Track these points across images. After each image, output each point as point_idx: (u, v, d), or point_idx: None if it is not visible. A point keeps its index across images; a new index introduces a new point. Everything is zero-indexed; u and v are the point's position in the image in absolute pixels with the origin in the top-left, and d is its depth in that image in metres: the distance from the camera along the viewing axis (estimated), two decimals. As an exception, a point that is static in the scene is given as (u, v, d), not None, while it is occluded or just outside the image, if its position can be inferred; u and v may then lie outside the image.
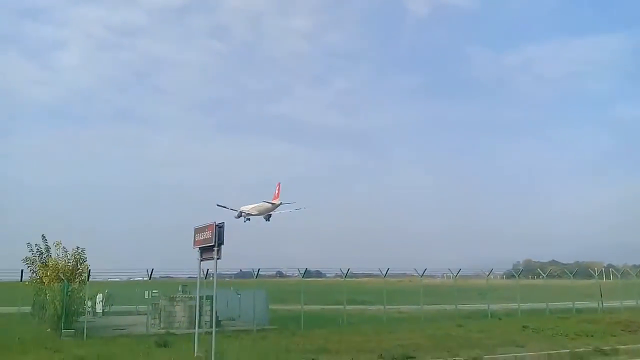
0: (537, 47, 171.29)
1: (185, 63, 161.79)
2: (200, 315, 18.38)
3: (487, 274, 34.87)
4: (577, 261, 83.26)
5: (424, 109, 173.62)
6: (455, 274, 32.04)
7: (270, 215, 36.90)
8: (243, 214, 37.81)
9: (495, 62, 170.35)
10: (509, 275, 46.83)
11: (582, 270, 49.68)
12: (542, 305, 32.93)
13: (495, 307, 32.69)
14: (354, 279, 36.81)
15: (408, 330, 22.85)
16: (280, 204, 36.38)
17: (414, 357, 15.59)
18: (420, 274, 30.74)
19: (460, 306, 31.60)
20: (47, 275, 23.95)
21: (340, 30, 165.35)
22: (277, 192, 36.54)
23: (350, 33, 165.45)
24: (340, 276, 29.93)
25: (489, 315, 30.36)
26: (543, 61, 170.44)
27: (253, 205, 36.39)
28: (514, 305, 32.84)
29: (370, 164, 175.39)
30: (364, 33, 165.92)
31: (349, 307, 28.97)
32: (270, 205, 36.19)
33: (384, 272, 29.29)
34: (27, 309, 26.35)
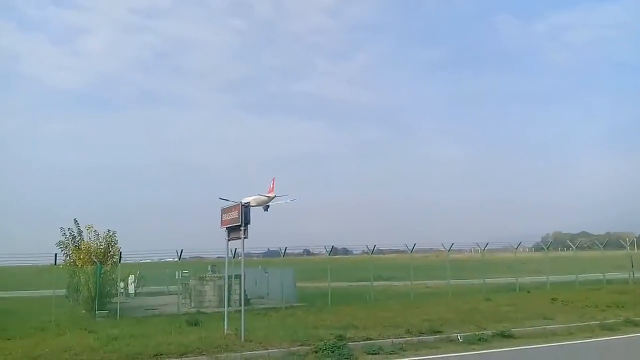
0: (565, 14, 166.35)
1: (207, 43, 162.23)
2: (229, 294, 18.76)
3: (516, 247, 34.59)
4: (608, 232, 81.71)
5: (449, 81, 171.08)
6: (482, 248, 31.87)
7: (268, 206, 39.37)
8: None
9: (522, 31, 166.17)
10: (538, 248, 46.52)
11: (613, 241, 48.83)
12: (572, 277, 32.65)
13: (523, 280, 32.52)
14: (380, 255, 36.94)
15: (435, 305, 22.91)
16: (275, 196, 38.64)
17: (441, 332, 15.64)
18: (447, 249, 30.67)
19: (488, 280, 31.49)
20: (81, 258, 24.61)
21: (362, 2, 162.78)
22: (272, 186, 39.66)
23: (373, 5, 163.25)
24: (367, 253, 30.06)
25: (517, 288, 30.23)
26: (571, 28, 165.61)
27: (252, 197, 39.13)
28: (542, 278, 32.62)
29: (395, 139, 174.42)
30: (387, 5, 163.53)
31: (375, 284, 29.16)
32: (266, 197, 39.37)
33: (411, 248, 29.32)
34: (62, 291, 27.14)
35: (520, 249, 36.01)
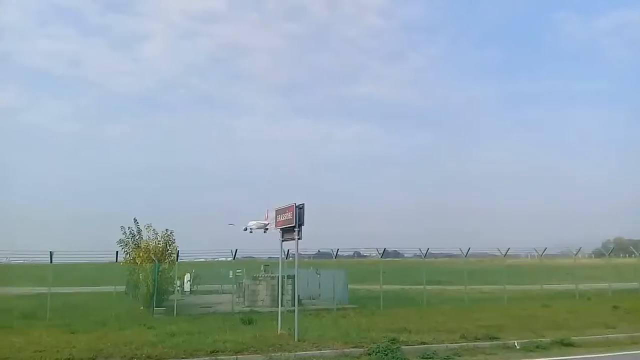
0: (630, 10, 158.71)
1: (262, 47, 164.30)
2: (282, 294, 18.96)
3: (575, 252, 33.37)
4: (674, 238, 77.47)
5: (504, 82, 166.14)
6: (540, 253, 30.92)
7: (267, 229, 43.07)
8: (248, 228, 44.37)
9: (582, 28, 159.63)
10: (599, 254, 44.70)
11: (680, 248, 46.26)
12: (635, 284, 31.20)
13: (583, 287, 31.34)
14: (433, 259, 36.44)
15: (490, 311, 22.40)
16: (268, 223, 42.94)
17: (498, 338, 15.28)
18: (503, 254, 29.93)
19: (545, 286, 30.58)
20: (140, 256, 25.38)
21: (416, 2, 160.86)
22: (267, 216, 45.28)
23: (426, 5, 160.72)
24: (419, 256, 29.72)
25: (577, 295, 29.16)
26: (636, 24, 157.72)
27: (255, 222, 43.95)
28: (604, 285, 31.34)
29: (448, 142, 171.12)
30: (441, 5, 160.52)
31: (428, 287, 28.77)
32: (263, 224, 43.29)
33: (465, 252, 28.79)
34: (122, 288, 28.12)
35: (580, 255, 34.66)
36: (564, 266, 37.42)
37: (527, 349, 14.30)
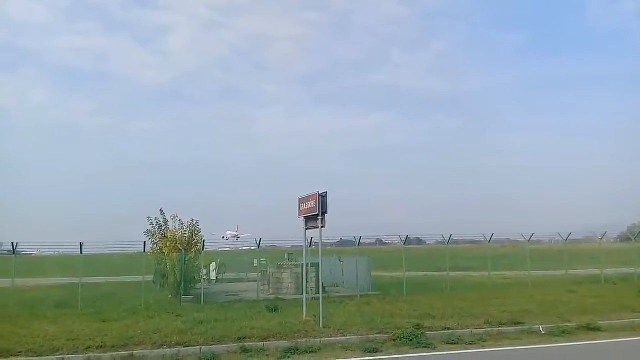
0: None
1: (284, 38, 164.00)
2: (306, 281, 19.20)
3: (600, 237, 32.97)
4: None
5: (529, 66, 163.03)
6: (565, 238, 30.63)
7: (238, 238, 56.78)
8: (225, 237, 54.36)
9: (609, 10, 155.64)
10: (624, 238, 43.95)
11: None
12: (662, 269, 30.74)
13: (609, 271, 30.99)
14: (455, 245, 36.36)
15: (515, 296, 22.35)
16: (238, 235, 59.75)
17: (523, 323, 15.31)
18: (527, 239, 29.74)
19: (570, 271, 30.32)
20: (167, 246, 25.83)
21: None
22: (237, 229, 67.47)
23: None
24: (442, 243, 29.68)
25: (602, 280, 28.89)
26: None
27: (230, 232, 63.64)
28: (630, 270, 30.92)
29: (471, 128, 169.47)
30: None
31: (451, 274, 28.77)
32: (235, 234, 61.72)
33: (488, 238, 28.69)
34: (150, 277, 28.65)
35: (605, 240, 34.16)
36: (589, 251, 36.94)
37: (552, 333, 14.31)
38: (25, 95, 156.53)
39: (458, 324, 15.06)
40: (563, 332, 14.41)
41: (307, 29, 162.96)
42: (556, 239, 32.09)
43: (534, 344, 13.33)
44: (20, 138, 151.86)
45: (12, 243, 22.30)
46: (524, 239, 29.85)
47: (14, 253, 22.61)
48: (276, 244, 35.51)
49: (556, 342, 13.55)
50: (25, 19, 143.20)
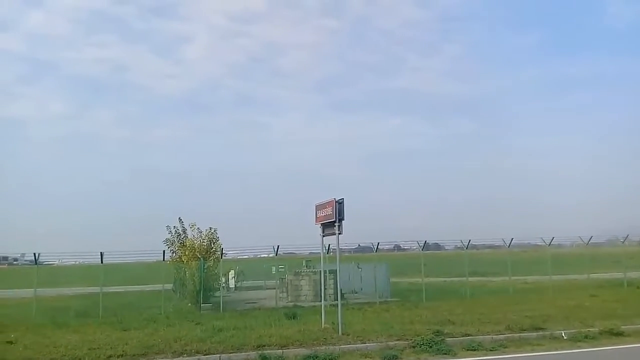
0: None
1: (300, 44, 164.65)
2: (324, 288, 19.17)
3: (622, 240, 32.45)
4: None
5: (545, 67, 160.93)
6: (586, 242, 30.21)
7: None
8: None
9: (629, 9, 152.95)
10: (648, 241, 43.17)
11: None
12: (688, 272, 30.15)
13: (632, 275, 30.46)
14: (475, 250, 36.06)
15: (536, 301, 22.10)
16: None
17: (544, 328, 15.12)
18: (548, 243, 29.39)
19: (592, 275, 29.89)
20: (186, 255, 26.01)
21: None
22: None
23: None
24: (461, 248, 29.47)
25: (625, 284, 28.42)
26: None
27: None
28: (654, 273, 30.41)
29: (489, 131, 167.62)
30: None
31: (471, 279, 28.54)
32: None
33: (508, 243, 28.42)
34: (170, 286, 28.90)
35: (627, 243, 33.61)
36: (611, 254, 36.48)
37: (575, 339, 14.10)
38: (45, 106, 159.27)
39: (478, 330, 14.92)
40: (586, 337, 14.19)
41: (324, 35, 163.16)
42: (577, 242, 31.64)
43: (556, 349, 13.13)
44: (40, 148, 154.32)
45: (34, 254, 22.67)
46: (544, 243, 29.51)
47: (35, 263, 22.97)
48: (294, 251, 35.53)
49: (579, 347, 13.34)
50: (45, 32, 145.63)
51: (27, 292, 24.80)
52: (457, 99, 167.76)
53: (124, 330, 16.61)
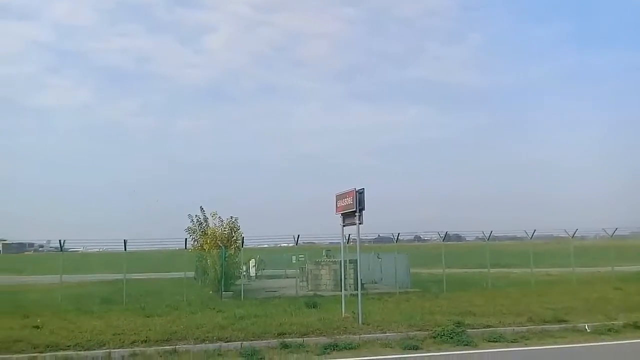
0: None
1: (321, 34, 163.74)
2: (345, 278, 19.20)
3: (648, 233, 31.89)
4: None
5: (569, 58, 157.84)
6: (610, 234, 29.74)
7: None
8: None
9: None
10: (676, 234, 42.35)
11: None
12: None
13: (658, 268, 30.00)
14: (496, 242, 35.78)
15: (558, 294, 21.85)
16: None
17: (567, 321, 14.96)
18: (571, 235, 29.00)
19: (616, 268, 29.43)
20: (207, 243, 26.28)
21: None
22: None
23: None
24: (482, 239, 29.25)
25: (651, 276, 27.96)
26: None
27: None
28: (681, 266, 29.87)
29: (510, 122, 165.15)
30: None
31: (492, 270, 28.34)
32: None
33: (530, 234, 28.11)
34: (192, 274, 29.19)
35: (654, 235, 33.03)
36: (636, 247, 35.84)
37: (598, 331, 13.94)
38: (71, 95, 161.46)
39: (500, 322, 14.82)
40: (609, 330, 14.02)
41: (344, 24, 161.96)
42: (601, 234, 31.15)
43: (579, 342, 12.98)
44: (66, 137, 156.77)
45: (60, 241, 23.09)
46: (567, 235, 29.14)
47: (61, 250, 23.42)
48: (314, 241, 35.70)
49: (602, 340, 13.18)
50: (71, 22, 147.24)
51: (52, 278, 25.32)
52: (478, 89, 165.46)
53: (147, 317, 16.80)
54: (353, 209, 15.54)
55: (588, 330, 14.14)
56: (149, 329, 14.09)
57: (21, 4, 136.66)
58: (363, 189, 15.44)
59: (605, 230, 29.79)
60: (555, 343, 12.90)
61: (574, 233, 28.93)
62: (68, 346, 12.17)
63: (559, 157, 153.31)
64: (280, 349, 12.29)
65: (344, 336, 13.18)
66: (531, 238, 28.22)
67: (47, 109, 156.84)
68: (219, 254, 24.89)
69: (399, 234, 27.61)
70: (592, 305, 17.92)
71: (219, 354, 11.89)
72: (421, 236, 46.31)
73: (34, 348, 11.97)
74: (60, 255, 23.63)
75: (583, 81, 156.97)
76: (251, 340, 12.76)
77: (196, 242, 27.33)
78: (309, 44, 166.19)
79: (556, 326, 14.49)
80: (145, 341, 12.64)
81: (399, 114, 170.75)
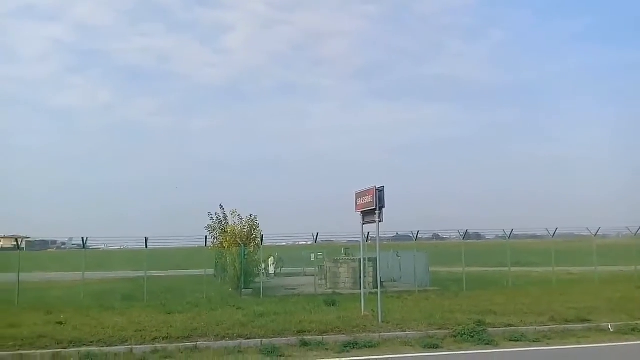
0: None
1: (340, 32, 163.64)
2: (364, 276, 19.17)
3: (673, 231, 31.21)
4: None
5: (593, 53, 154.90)
6: (634, 232, 29.22)
7: None
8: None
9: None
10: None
11: None
12: None
13: (684, 267, 29.36)
14: (517, 240, 35.44)
15: (581, 293, 21.56)
16: None
17: (590, 320, 14.77)
18: (593, 234, 28.57)
19: (640, 267, 28.95)
20: (227, 241, 26.44)
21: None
22: None
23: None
24: (503, 238, 28.98)
25: (676, 276, 27.40)
26: None
27: None
28: None
29: (531, 119, 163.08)
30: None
31: (513, 269, 28.06)
32: None
33: (552, 233, 27.75)
34: (211, 271, 29.37)
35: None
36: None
37: (621, 331, 13.74)
38: (92, 95, 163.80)
39: (521, 321, 14.68)
40: (633, 330, 13.81)
41: (364, 21, 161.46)
42: (624, 232, 30.63)
43: (603, 342, 12.81)
44: (86, 137, 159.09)
45: (82, 238, 23.42)
46: (590, 234, 28.71)
47: (83, 247, 23.75)
48: (332, 239, 35.64)
49: (626, 340, 12.99)
50: (92, 22, 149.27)
51: (74, 275, 25.64)
52: (499, 86, 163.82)
53: (168, 314, 16.95)
54: (373, 206, 15.50)
55: (611, 330, 13.94)
56: (170, 326, 14.23)
57: (44, 4, 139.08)
58: (383, 186, 15.40)
59: (628, 229, 29.31)
60: (578, 343, 12.74)
61: (597, 231, 28.49)
62: (91, 342, 12.34)
63: (580, 154, 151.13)
64: (300, 346, 12.33)
65: (364, 334, 13.17)
66: (553, 236, 27.87)
67: (69, 108, 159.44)
68: (238, 252, 25.01)
69: (418, 232, 27.48)
70: (615, 305, 17.64)
71: (239, 351, 11.95)
72: (440, 234, 46.09)
73: (58, 344, 12.15)
74: (83, 253, 23.96)
75: (604, 77, 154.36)
76: (271, 338, 12.81)
77: (216, 240, 27.52)
78: (327, 43, 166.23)
79: (579, 325, 14.31)
80: (167, 337, 12.76)
81: (417, 111, 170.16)
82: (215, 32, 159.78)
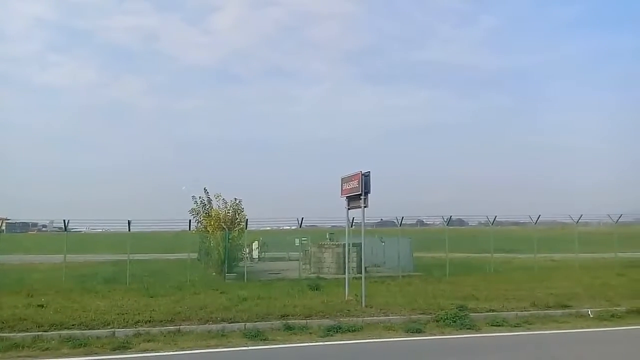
0: None
1: (331, 14, 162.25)
2: (348, 261, 19.22)
3: (653, 219, 31.75)
4: None
5: (587, 40, 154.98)
6: (615, 220, 29.62)
7: None
8: None
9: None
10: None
11: None
12: None
13: (662, 254, 29.95)
14: (500, 227, 35.74)
15: (562, 279, 21.87)
16: None
17: (570, 306, 14.97)
18: (575, 221, 28.91)
19: (620, 254, 29.38)
20: (211, 225, 26.31)
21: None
22: None
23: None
24: (486, 224, 29.21)
25: (654, 263, 27.90)
26: None
27: None
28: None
29: (524, 106, 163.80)
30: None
31: (496, 255, 28.33)
32: None
33: (534, 220, 28.03)
34: (195, 255, 29.24)
35: (659, 221, 32.87)
36: (640, 233, 35.75)
37: (601, 317, 13.96)
38: (78, 74, 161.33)
39: (503, 306, 14.86)
40: (612, 315, 14.04)
41: (355, 5, 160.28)
42: (605, 220, 31.05)
43: (582, 327, 13.02)
44: (72, 116, 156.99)
45: (64, 220, 23.13)
46: (571, 221, 29.04)
47: (65, 230, 23.46)
48: (317, 224, 35.68)
49: (605, 326, 13.22)
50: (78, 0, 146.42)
51: (57, 258, 25.33)
52: (491, 72, 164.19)
53: (151, 297, 16.84)
54: (358, 192, 15.46)
55: (591, 316, 14.16)
56: (153, 309, 14.13)
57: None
58: (369, 172, 15.35)
59: (610, 217, 29.71)
60: (559, 328, 12.92)
61: (579, 219, 28.84)
62: (72, 325, 12.21)
63: (570, 141, 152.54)
64: (284, 330, 12.33)
65: (347, 319, 13.22)
66: (535, 223, 28.16)
67: (51, 87, 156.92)
68: (222, 236, 24.92)
69: (402, 217, 27.56)
70: (596, 291, 17.94)
71: (222, 335, 11.91)
72: (424, 220, 46.34)
73: (39, 327, 12.01)
74: (65, 235, 23.68)
75: (597, 64, 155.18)
76: (255, 322, 12.80)
77: (200, 224, 27.37)
78: (318, 25, 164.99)
79: (559, 311, 14.53)
80: (150, 321, 12.68)
81: (409, 96, 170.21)
82: (204, 12, 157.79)
